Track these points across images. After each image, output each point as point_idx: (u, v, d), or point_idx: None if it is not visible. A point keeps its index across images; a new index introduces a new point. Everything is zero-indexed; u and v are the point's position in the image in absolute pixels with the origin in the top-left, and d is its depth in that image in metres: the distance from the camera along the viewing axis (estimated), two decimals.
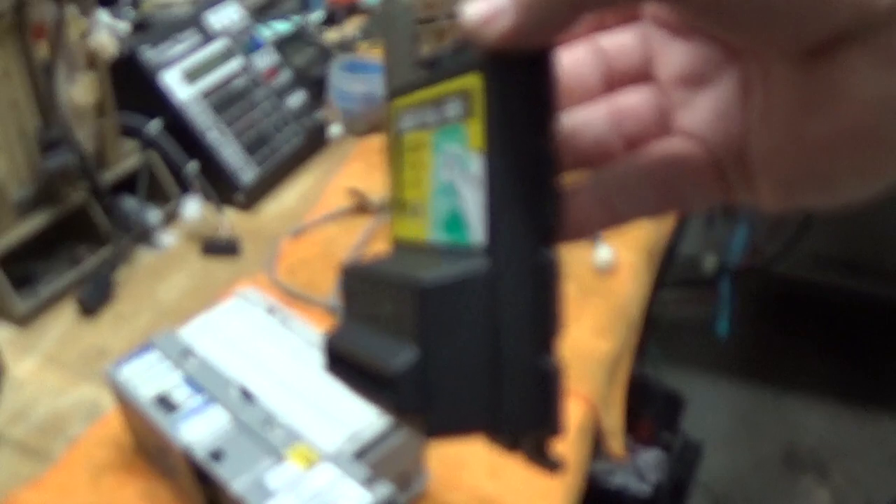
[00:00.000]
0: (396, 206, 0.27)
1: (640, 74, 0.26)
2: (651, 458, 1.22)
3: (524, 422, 0.22)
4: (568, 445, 0.62)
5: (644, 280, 0.84)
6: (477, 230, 0.22)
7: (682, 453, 1.30)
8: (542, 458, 0.23)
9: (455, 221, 0.23)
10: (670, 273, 1.32)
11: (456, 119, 0.22)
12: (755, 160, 0.23)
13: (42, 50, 0.73)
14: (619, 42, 0.26)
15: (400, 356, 0.21)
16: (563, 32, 0.21)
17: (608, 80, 0.26)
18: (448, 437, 0.22)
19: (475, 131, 0.22)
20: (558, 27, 0.21)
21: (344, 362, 0.25)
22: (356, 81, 1.02)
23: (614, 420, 0.74)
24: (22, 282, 0.75)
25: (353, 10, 1.30)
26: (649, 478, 1.19)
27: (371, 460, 0.50)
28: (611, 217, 0.25)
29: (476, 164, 0.21)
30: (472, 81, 0.22)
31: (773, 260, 1.88)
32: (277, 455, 0.49)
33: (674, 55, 0.25)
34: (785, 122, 0.22)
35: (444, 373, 0.21)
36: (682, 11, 0.20)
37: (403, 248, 0.26)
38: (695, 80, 0.25)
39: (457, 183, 0.23)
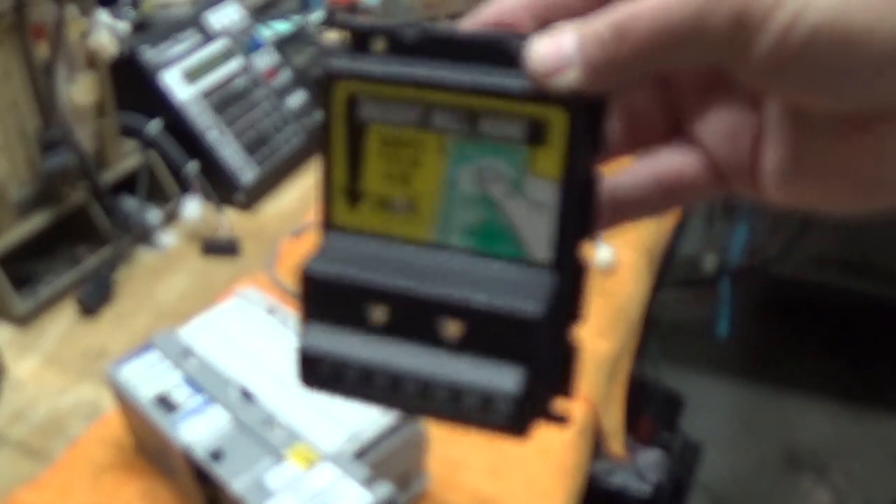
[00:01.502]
0: (343, 192, 0.25)
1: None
2: (651, 458, 1.22)
3: (554, 390, 0.25)
4: (568, 445, 0.62)
5: (644, 280, 0.84)
6: (537, 248, 0.24)
7: (682, 453, 1.30)
8: (549, 415, 0.25)
9: (490, 232, 0.24)
10: (670, 273, 1.32)
11: (507, 140, 0.23)
12: (763, 177, 0.24)
13: (42, 50, 0.73)
14: None
15: (509, 381, 0.23)
16: (624, 85, 0.22)
17: None
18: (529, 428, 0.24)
19: (546, 160, 0.23)
20: (622, 81, 0.22)
21: (346, 374, 0.24)
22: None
23: (614, 420, 0.74)
24: (22, 282, 0.75)
25: (353, 10, 1.30)
26: (649, 478, 1.19)
27: (371, 460, 0.50)
28: (619, 218, 0.26)
29: (543, 191, 0.23)
30: (550, 114, 0.23)
31: (773, 260, 1.88)
32: (277, 455, 0.49)
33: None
34: (806, 164, 0.23)
35: (538, 382, 0.23)
36: (737, 68, 0.21)
37: (371, 241, 0.25)
38: (709, 89, 0.25)
39: (499, 199, 0.24)
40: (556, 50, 0.21)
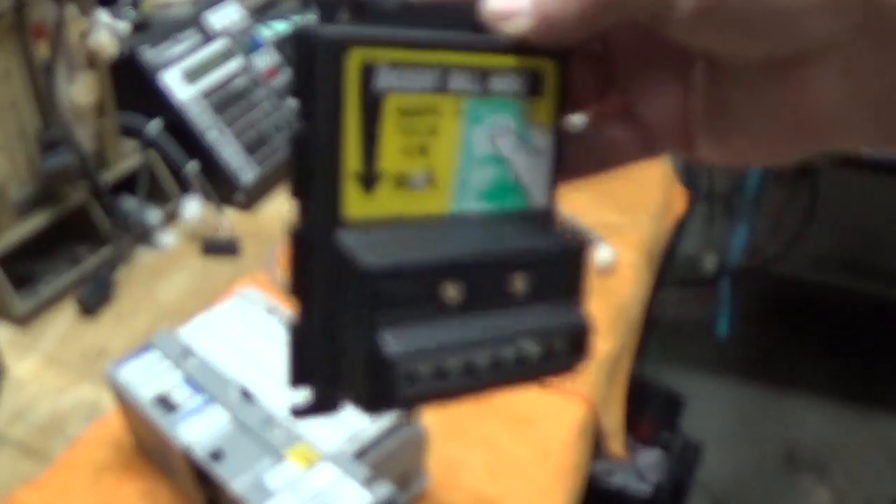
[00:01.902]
0: (358, 180, 0.22)
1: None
2: (651, 458, 1.22)
3: None
4: (568, 445, 0.62)
5: (644, 280, 0.84)
6: (537, 194, 0.25)
7: (682, 453, 1.30)
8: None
9: (501, 189, 0.25)
10: (670, 273, 1.32)
11: (511, 94, 0.25)
12: (696, 134, 0.26)
13: (42, 50, 0.73)
14: None
15: (580, 315, 0.25)
16: (570, 42, 0.24)
17: None
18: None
19: (543, 108, 0.25)
20: (567, 39, 0.24)
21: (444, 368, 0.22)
22: None
23: (614, 420, 0.74)
24: (22, 282, 0.75)
25: None
26: (649, 478, 1.19)
27: (371, 460, 0.50)
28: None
29: (542, 139, 0.25)
30: (543, 65, 0.25)
31: (773, 260, 1.88)
32: (277, 455, 0.49)
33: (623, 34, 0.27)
34: (735, 114, 0.24)
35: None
36: (664, 26, 0.22)
37: (392, 227, 0.23)
38: (641, 62, 0.27)
39: (508, 154, 0.25)
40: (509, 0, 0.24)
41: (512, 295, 0.23)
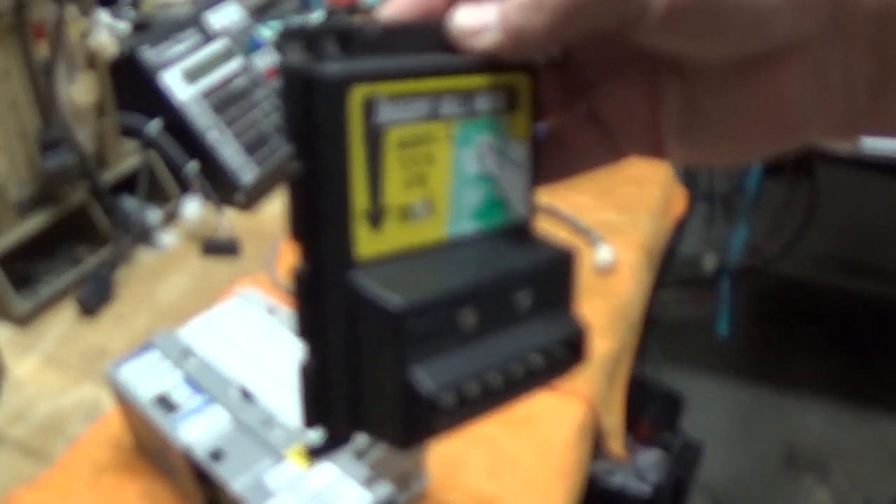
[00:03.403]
0: (366, 220, 0.22)
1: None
2: (651, 458, 1.22)
3: None
4: (568, 445, 0.62)
5: (644, 280, 0.84)
6: (517, 206, 0.26)
7: (682, 453, 1.30)
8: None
9: (491, 207, 0.25)
10: (670, 273, 1.32)
11: (491, 112, 0.25)
12: (664, 136, 0.26)
13: (42, 50, 0.73)
14: None
15: (577, 323, 0.25)
16: (538, 54, 0.25)
17: None
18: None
19: (519, 123, 0.25)
20: (535, 51, 0.24)
21: (473, 395, 0.22)
22: None
23: (614, 420, 0.74)
24: (22, 282, 0.75)
25: (353, 10, 1.30)
26: (649, 478, 1.19)
27: (371, 460, 0.50)
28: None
29: (520, 151, 0.26)
30: (518, 80, 0.25)
31: (773, 260, 1.88)
32: (277, 455, 0.49)
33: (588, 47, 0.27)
34: (705, 115, 0.25)
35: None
36: (634, 32, 0.22)
37: (396, 262, 0.23)
38: (607, 69, 0.27)
39: (495, 171, 0.25)
40: (476, 14, 0.23)
41: (517, 311, 0.24)
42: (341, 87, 0.21)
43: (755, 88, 0.23)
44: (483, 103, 0.24)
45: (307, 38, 0.21)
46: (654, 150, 0.26)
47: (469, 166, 0.24)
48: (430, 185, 0.23)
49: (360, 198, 0.22)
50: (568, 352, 0.25)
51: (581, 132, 0.27)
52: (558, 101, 0.27)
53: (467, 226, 0.25)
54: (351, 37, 0.22)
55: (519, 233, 0.26)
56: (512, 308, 0.23)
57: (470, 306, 0.22)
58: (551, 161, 0.27)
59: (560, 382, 0.25)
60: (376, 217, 0.22)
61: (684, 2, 0.21)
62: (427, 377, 0.21)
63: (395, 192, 0.22)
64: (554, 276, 0.25)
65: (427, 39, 0.23)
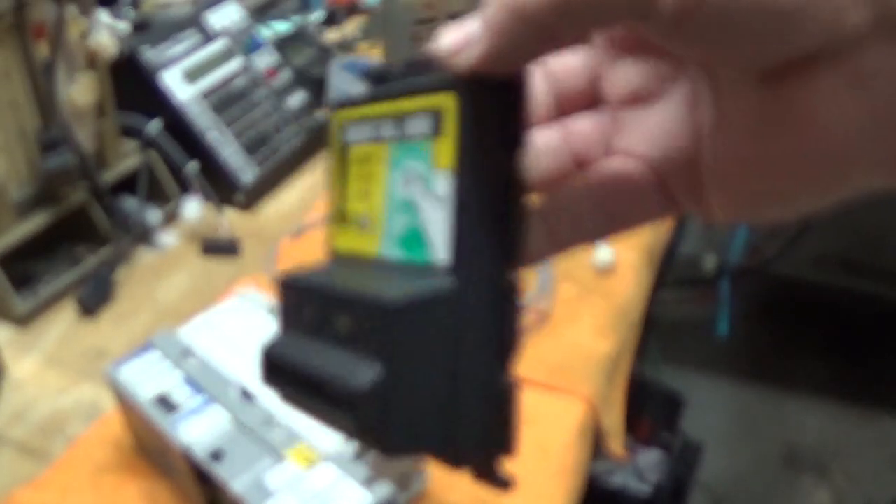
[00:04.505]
0: (337, 216, 0.27)
1: (589, 96, 0.26)
2: (651, 458, 1.22)
3: (480, 440, 0.22)
4: (568, 445, 0.62)
5: (644, 280, 0.84)
6: (439, 249, 0.22)
7: (682, 453, 1.30)
8: (492, 476, 0.22)
9: (413, 239, 0.23)
10: (670, 273, 1.32)
11: (420, 136, 0.22)
12: (705, 175, 0.23)
13: (42, 50, 0.73)
14: (567, 64, 0.26)
15: (362, 375, 0.20)
16: (533, 62, 0.21)
17: (559, 103, 0.26)
18: (404, 454, 0.22)
19: (444, 150, 0.22)
20: (528, 57, 0.21)
21: (285, 375, 0.24)
22: (356, 81, 1.02)
23: (614, 420, 0.74)
24: (22, 282, 0.75)
25: (353, 10, 1.30)
26: (649, 478, 1.19)
27: (371, 460, 0.50)
28: (555, 244, 0.24)
29: (442, 184, 0.22)
30: (444, 101, 0.22)
31: (773, 260, 1.88)
32: (277, 455, 0.49)
33: (620, 74, 0.25)
34: (740, 139, 0.21)
35: (406, 392, 0.21)
36: (648, 29, 0.19)
37: (345, 260, 0.26)
38: (641, 99, 0.24)
39: (417, 200, 0.22)
40: (462, 32, 0.21)
41: (337, 332, 0.22)
42: (334, 110, 0.27)
43: (789, 107, 0.20)
44: (413, 127, 0.23)
45: (371, 78, 0.26)
46: (696, 197, 0.23)
47: (398, 190, 0.23)
48: (371, 202, 0.25)
49: (335, 199, 0.27)
50: (349, 404, 0.21)
51: (625, 167, 0.24)
52: (601, 148, 0.25)
53: (394, 251, 0.23)
54: (383, 75, 0.25)
55: (422, 274, 0.22)
56: (333, 326, 0.22)
57: (310, 305, 0.24)
58: (546, 233, 0.24)
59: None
60: (342, 217, 0.26)
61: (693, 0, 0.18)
62: (275, 337, 0.25)
63: (354, 200, 0.26)
64: (367, 318, 0.21)
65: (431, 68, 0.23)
